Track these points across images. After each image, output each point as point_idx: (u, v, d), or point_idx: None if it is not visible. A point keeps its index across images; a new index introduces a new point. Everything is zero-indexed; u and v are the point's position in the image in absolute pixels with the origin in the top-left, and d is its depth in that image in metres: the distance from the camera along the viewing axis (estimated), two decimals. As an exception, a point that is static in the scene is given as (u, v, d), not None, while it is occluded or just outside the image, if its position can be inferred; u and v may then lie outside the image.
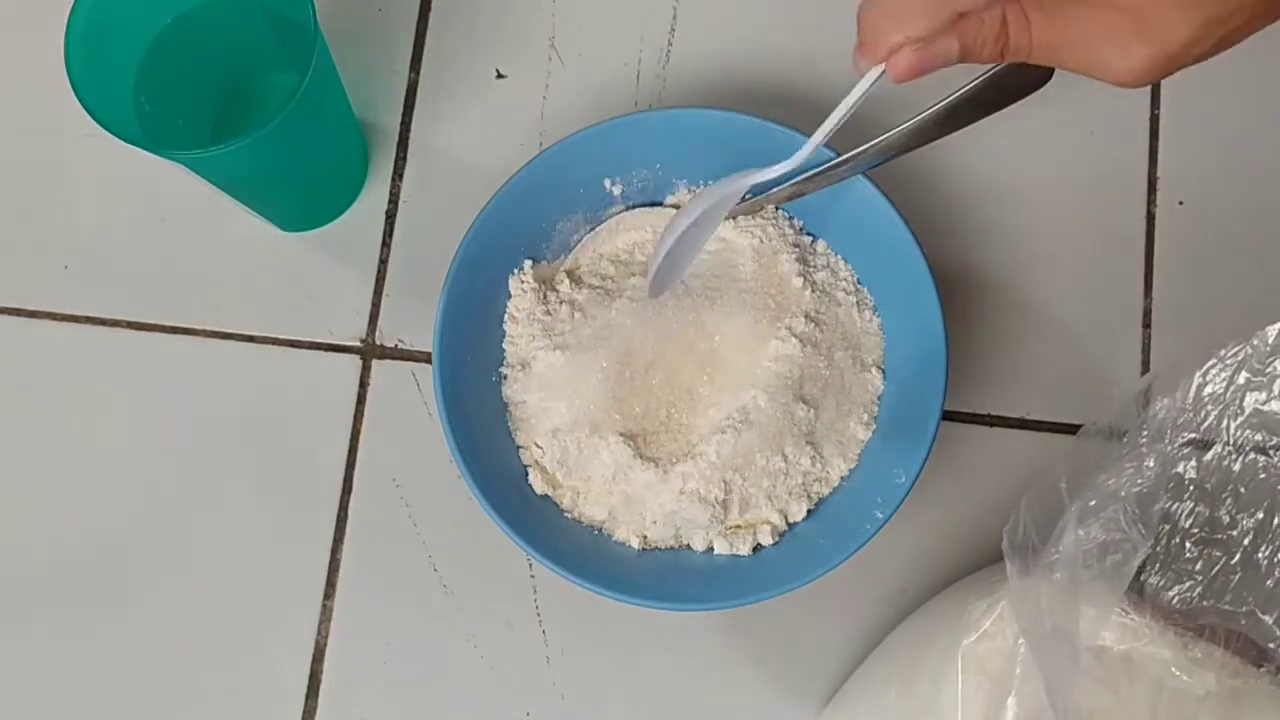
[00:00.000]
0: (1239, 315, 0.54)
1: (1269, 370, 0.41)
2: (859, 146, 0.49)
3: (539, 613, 0.53)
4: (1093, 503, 0.39)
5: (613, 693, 0.52)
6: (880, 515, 0.48)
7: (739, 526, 0.50)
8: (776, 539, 0.50)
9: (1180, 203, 0.56)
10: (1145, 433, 0.40)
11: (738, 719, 0.52)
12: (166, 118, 0.51)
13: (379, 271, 0.56)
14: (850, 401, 0.51)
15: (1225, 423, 0.40)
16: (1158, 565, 0.40)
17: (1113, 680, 0.38)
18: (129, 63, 0.49)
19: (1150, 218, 0.56)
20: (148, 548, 0.54)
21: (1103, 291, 0.55)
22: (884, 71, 0.39)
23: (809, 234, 0.53)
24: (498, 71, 0.58)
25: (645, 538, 0.50)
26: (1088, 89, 0.56)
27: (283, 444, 0.54)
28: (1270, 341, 0.41)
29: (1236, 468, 0.41)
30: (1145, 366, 0.55)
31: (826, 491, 0.50)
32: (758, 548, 0.49)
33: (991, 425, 0.54)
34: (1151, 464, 0.39)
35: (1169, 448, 0.40)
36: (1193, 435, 0.40)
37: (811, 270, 0.52)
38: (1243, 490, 0.41)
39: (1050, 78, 0.48)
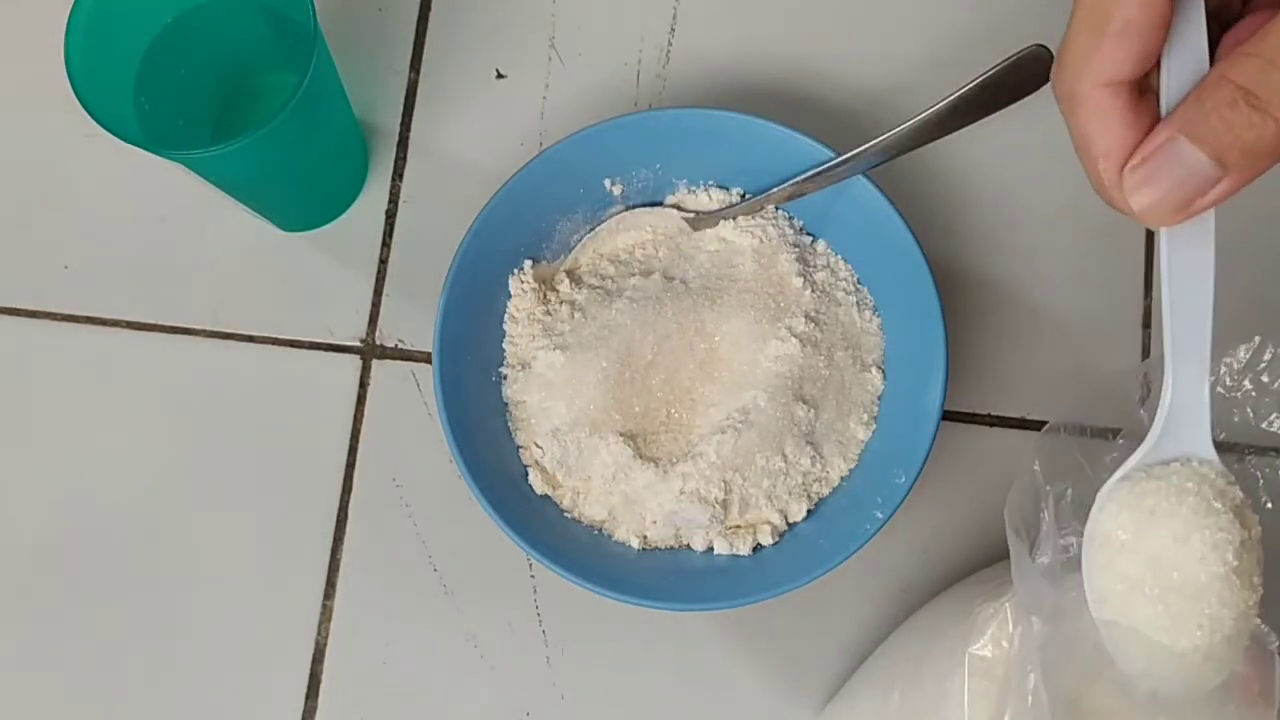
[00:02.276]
0: (1237, 315, 0.55)
1: (1242, 387, 0.41)
2: (859, 146, 0.49)
3: (539, 613, 0.53)
4: (1081, 498, 0.39)
5: (613, 693, 0.52)
6: (880, 515, 0.48)
7: (739, 526, 0.50)
8: (776, 539, 0.50)
9: (1180, 203, 0.56)
10: (1123, 440, 0.40)
11: (738, 719, 0.52)
12: (166, 118, 0.51)
13: (379, 271, 0.56)
14: (850, 401, 0.51)
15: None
16: None
17: (1113, 680, 0.38)
18: (129, 63, 0.49)
19: (1150, 217, 0.56)
20: (147, 547, 0.54)
21: (1103, 291, 0.55)
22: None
23: (809, 234, 0.53)
24: (498, 71, 0.58)
25: (645, 538, 0.50)
26: (1088, 89, 0.57)
27: (283, 444, 0.54)
28: (1242, 359, 0.41)
29: None
30: (1145, 366, 0.55)
31: (826, 491, 0.50)
32: (758, 548, 0.49)
33: (991, 425, 0.54)
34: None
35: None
36: None
37: (811, 270, 0.52)
38: None
39: (1050, 78, 0.48)
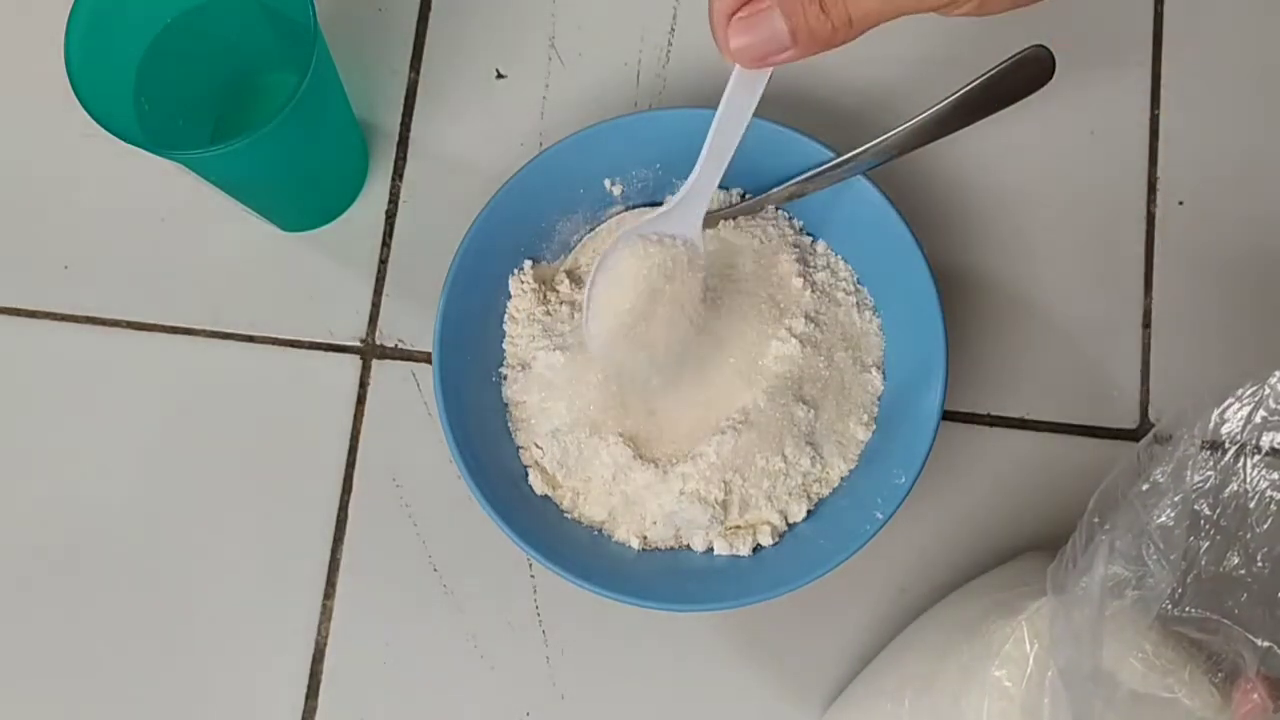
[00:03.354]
0: (1239, 316, 0.55)
1: None
2: (859, 147, 0.49)
3: (539, 613, 0.53)
4: (1117, 538, 0.39)
5: (613, 693, 0.52)
6: (880, 516, 0.48)
7: (739, 527, 0.50)
8: (776, 539, 0.50)
9: (1180, 203, 0.56)
10: (1166, 469, 0.41)
11: (737, 719, 0.52)
12: (166, 118, 0.51)
13: (379, 271, 0.56)
14: (850, 402, 0.51)
15: (1242, 461, 0.41)
16: (1178, 601, 0.41)
17: (1134, 710, 0.39)
18: (129, 63, 0.49)
19: (1150, 218, 0.56)
20: (147, 548, 0.54)
21: (1103, 291, 0.55)
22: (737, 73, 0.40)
23: (809, 234, 0.53)
24: (498, 71, 0.58)
25: (645, 538, 0.50)
26: (1088, 89, 0.57)
27: (283, 444, 0.54)
28: None
29: (1253, 505, 0.41)
30: (1145, 366, 0.55)
31: (826, 492, 0.50)
32: (757, 548, 0.49)
33: (991, 425, 0.54)
34: (1175, 499, 0.40)
35: (1189, 483, 0.41)
36: (1210, 473, 0.41)
37: (811, 270, 0.52)
38: (1260, 528, 0.41)
39: (1050, 78, 0.48)
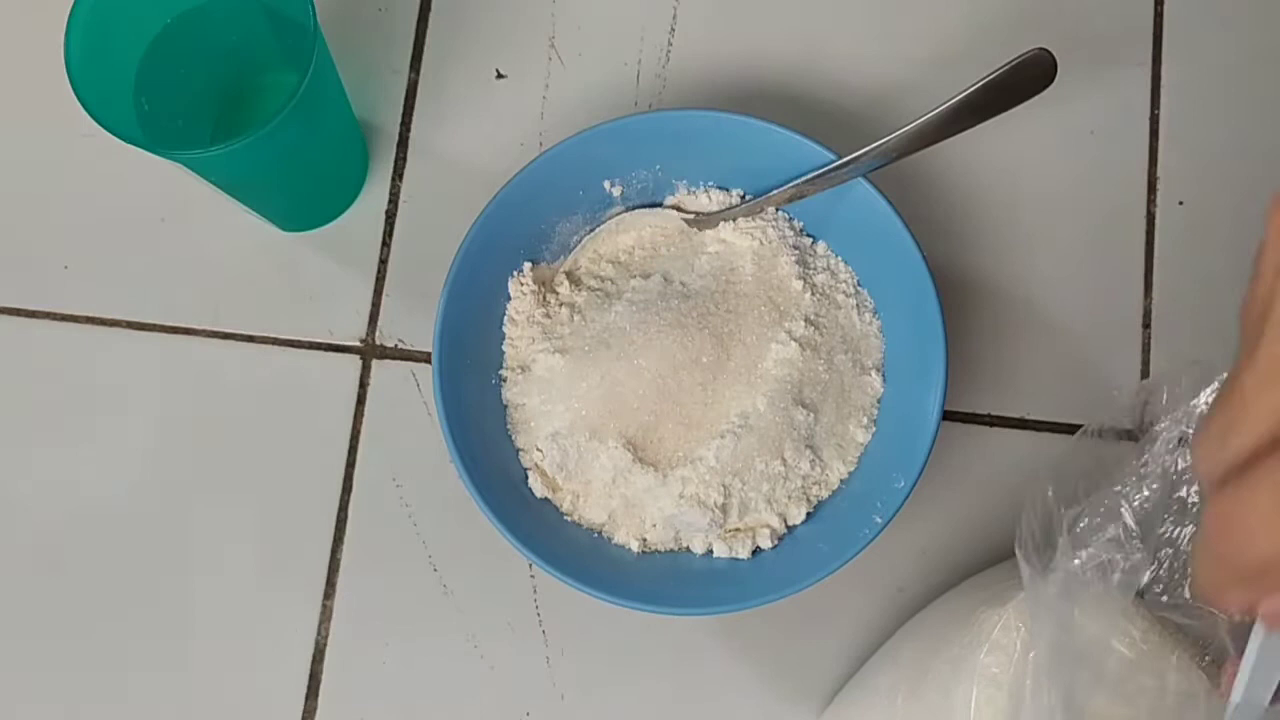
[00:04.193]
0: (1239, 316, 0.55)
1: None
2: (860, 149, 0.49)
3: (539, 613, 0.53)
4: (1097, 519, 0.39)
5: (613, 693, 0.52)
6: (879, 520, 0.48)
7: (738, 530, 0.50)
8: (775, 542, 0.50)
9: (1180, 203, 0.56)
10: (1146, 453, 0.41)
11: (737, 719, 0.52)
12: (166, 118, 0.51)
13: (379, 271, 0.56)
14: (850, 405, 0.51)
15: None
16: (1163, 586, 0.41)
17: (1123, 693, 0.39)
18: (129, 63, 0.49)
19: (1150, 218, 0.56)
20: (147, 547, 0.54)
21: (1103, 291, 0.55)
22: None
23: (809, 236, 0.53)
24: (498, 71, 0.58)
25: (645, 541, 0.50)
26: (1088, 90, 0.57)
27: (283, 444, 0.54)
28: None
29: None
30: (1145, 366, 0.55)
31: (826, 495, 0.50)
32: (757, 550, 0.49)
33: (991, 425, 0.54)
34: (1154, 485, 0.40)
35: (1170, 468, 0.41)
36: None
37: (811, 273, 0.52)
38: None
39: (1052, 80, 0.48)
